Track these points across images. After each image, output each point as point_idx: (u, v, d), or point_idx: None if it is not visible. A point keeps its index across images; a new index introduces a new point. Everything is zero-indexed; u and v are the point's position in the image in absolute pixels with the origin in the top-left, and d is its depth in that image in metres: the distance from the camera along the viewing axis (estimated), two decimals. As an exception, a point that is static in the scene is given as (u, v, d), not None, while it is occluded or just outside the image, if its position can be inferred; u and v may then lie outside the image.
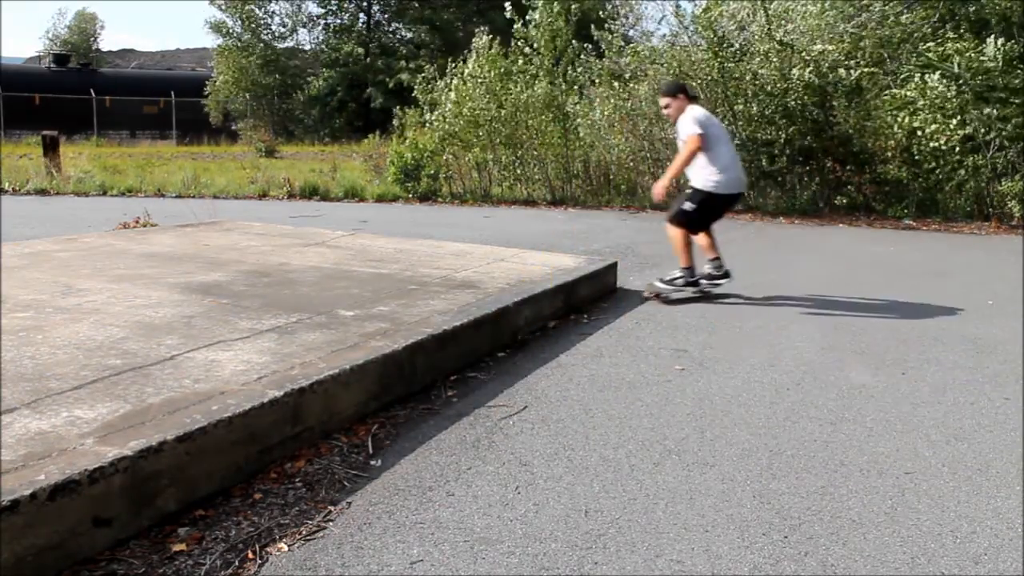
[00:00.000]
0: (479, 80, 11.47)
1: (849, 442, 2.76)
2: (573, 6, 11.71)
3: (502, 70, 11.51)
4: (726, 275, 5.12)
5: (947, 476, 2.51)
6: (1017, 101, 9.20)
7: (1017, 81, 9.19)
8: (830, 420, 2.97)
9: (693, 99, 5.01)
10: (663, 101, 5.10)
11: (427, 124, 11.81)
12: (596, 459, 2.57)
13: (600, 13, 12.73)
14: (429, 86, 11.97)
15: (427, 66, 12.37)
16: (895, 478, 2.48)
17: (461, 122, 11.34)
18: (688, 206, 4.94)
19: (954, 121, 9.34)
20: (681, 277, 5.01)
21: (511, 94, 11.38)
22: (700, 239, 5.07)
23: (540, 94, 11.30)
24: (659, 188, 4.84)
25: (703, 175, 4.85)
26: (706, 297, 5.08)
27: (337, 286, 4.14)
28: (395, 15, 35.91)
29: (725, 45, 10.26)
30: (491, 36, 11.97)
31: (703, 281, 5.09)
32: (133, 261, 4.69)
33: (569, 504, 2.26)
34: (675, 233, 5.00)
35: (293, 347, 2.97)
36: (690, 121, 4.80)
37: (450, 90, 11.63)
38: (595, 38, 11.77)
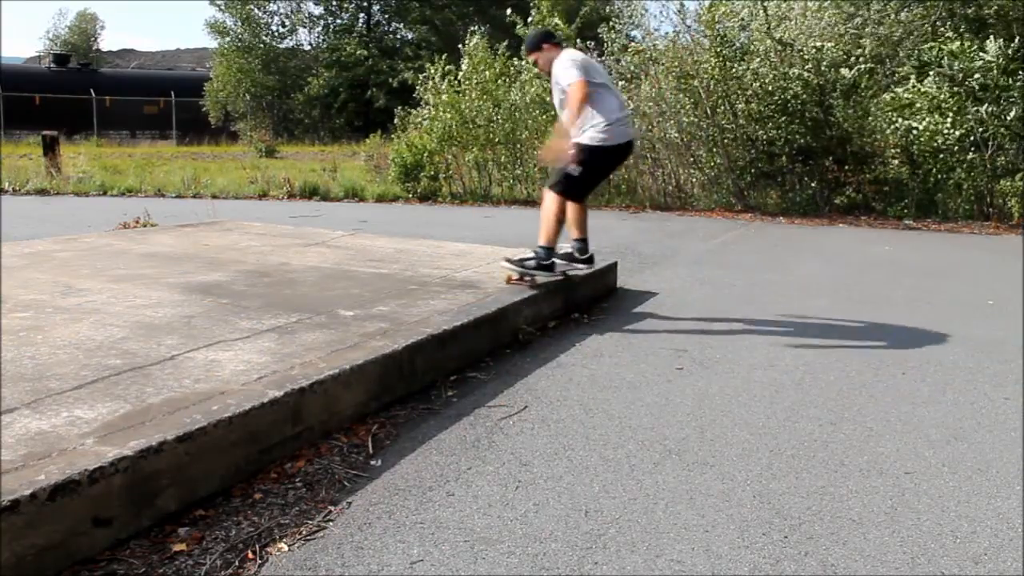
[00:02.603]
0: (473, 81, 11.47)
1: (849, 442, 2.76)
2: (581, 11, 11.78)
3: (497, 70, 11.51)
4: (590, 260, 4.53)
5: (947, 476, 2.51)
6: (1015, 100, 9.21)
7: (1017, 81, 9.20)
8: (830, 420, 2.97)
9: (558, 45, 4.37)
10: (530, 58, 4.51)
11: (422, 123, 11.80)
12: (596, 459, 2.57)
13: (603, 12, 12.79)
14: (428, 85, 11.97)
15: (428, 66, 12.33)
16: (895, 478, 2.48)
17: (455, 123, 11.31)
18: (573, 168, 4.16)
19: (951, 122, 9.35)
20: (533, 259, 4.27)
21: (508, 93, 11.40)
22: (570, 212, 4.37)
23: (534, 94, 11.31)
24: (553, 149, 4.19)
25: (588, 129, 4.14)
26: (706, 297, 5.07)
27: (337, 286, 4.14)
28: (395, 15, 35.91)
29: (727, 44, 10.26)
30: (484, 36, 11.97)
31: (558, 262, 4.40)
32: (133, 261, 4.69)
33: (569, 504, 2.26)
34: (551, 203, 4.25)
35: (293, 347, 2.97)
36: (567, 65, 4.10)
37: (439, 94, 11.60)
38: (599, 35, 11.80)
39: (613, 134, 4.15)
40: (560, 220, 4.27)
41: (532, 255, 4.27)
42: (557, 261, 4.37)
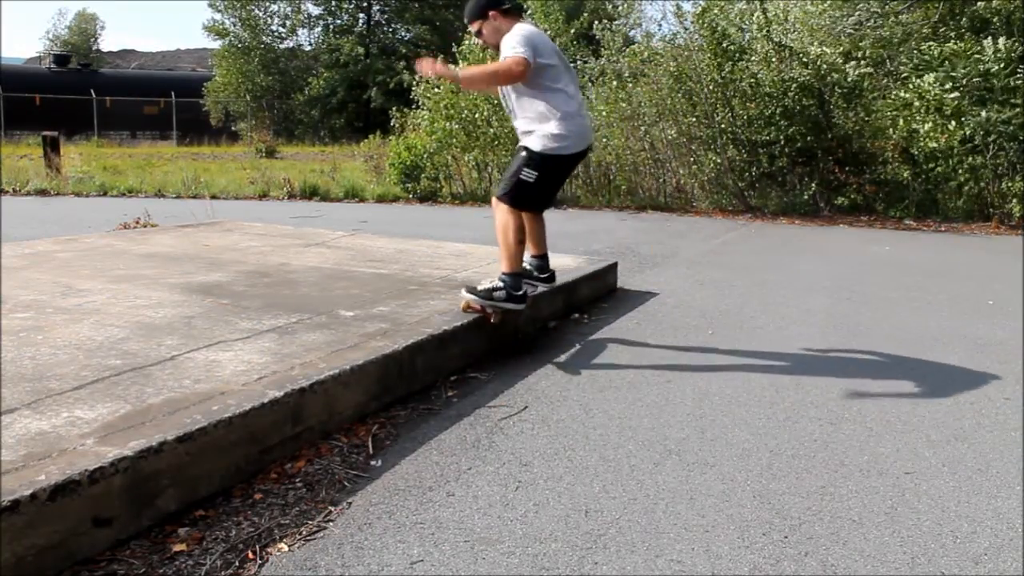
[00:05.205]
0: None
1: (849, 442, 2.76)
2: (583, 16, 11.78)
3: None
4: (551, 279, 4.02)
5: (947, 476, 2.51)
6: (1017, 102, 9.20)
7: (1018, 81, 9.19)
8: (830, 420, 2.97)
9: (516, 14, 3.58)
10: (472, 27, 3.63)
11: (420, 124, 11.78)
12: (596, 459, 2.57)
13: (601, 12, 12.80)
14: (423, 88, 11.93)
15: None
16: (895, 478, 2.48)
17: (454, 124, 11.29)
18: (527, 174, 3.51)
19: (952, 123, 9.35)
20: (502, 288, 3.56)
21: None
22: (526, 224, 3.71)
23: None
24: (428, 64, 3.43)
25: (543, 129, 3.49)
26: (706, 298, 5.07)
27: (337, 286, 4.14)
28: (395, 15, 35.93)
29: (725, 45, 10.26)
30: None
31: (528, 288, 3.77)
32: (133, 261, 4.69)
33: (569, 504, 2.26)
34: (504, 216, 3.57)
35: (293, 347, 2.97)
36: (516, 39, 3.36)
37: (429, 98, 11.57)
38: (595, 36, 11.79)
39: (571, 137, 3.51)
40: (520, 238, 3.60)
41: (499, 284, 3.57)
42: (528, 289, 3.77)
